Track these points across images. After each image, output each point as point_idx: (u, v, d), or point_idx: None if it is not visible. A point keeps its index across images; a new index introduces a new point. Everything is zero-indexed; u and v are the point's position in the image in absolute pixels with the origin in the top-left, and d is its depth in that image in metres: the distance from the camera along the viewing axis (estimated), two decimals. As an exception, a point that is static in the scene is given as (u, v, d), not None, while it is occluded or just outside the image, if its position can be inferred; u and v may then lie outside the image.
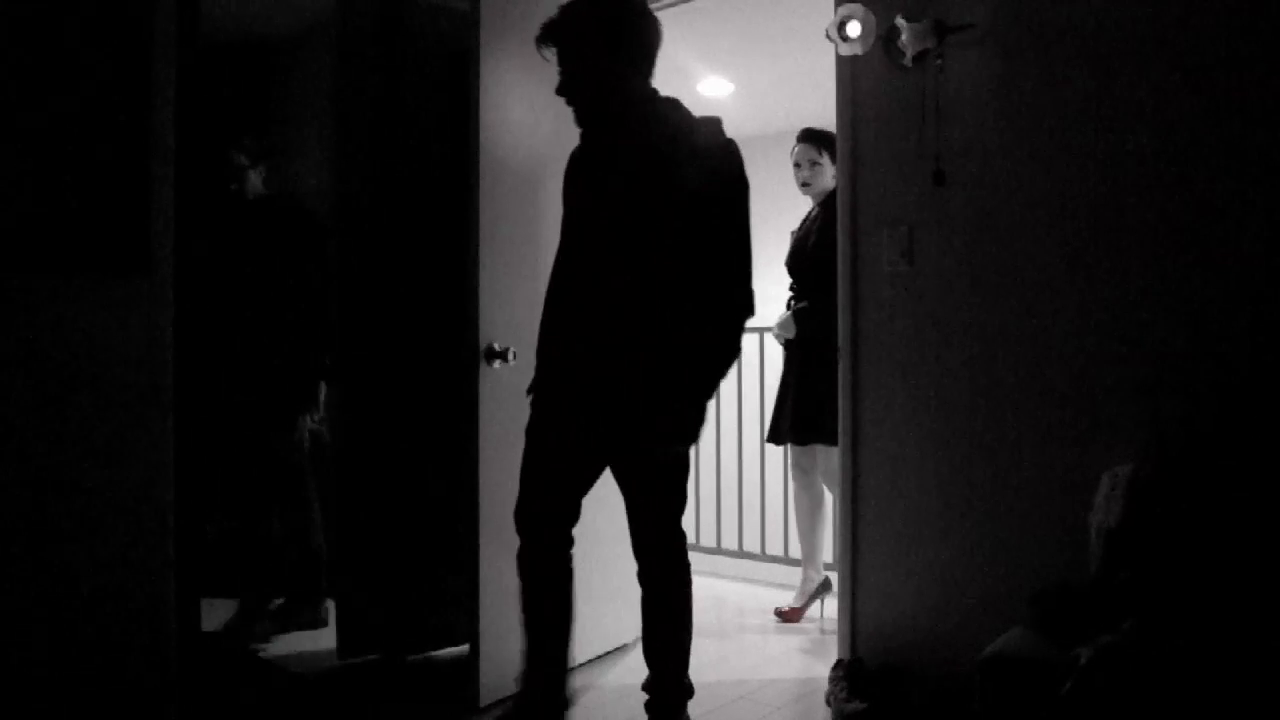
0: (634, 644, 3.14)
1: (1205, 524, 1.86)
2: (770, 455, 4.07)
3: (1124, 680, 1.62)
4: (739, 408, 4.14)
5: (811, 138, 3.36)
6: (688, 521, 4.37)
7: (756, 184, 3.95)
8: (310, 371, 3.25)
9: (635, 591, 3.15)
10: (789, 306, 3.46)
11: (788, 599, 3.52)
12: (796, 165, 3.38)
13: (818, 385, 3.22)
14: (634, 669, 2.92)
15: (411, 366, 3.02)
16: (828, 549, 3.40)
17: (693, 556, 4.31)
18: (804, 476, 3.46)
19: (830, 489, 3.32)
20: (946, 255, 2.43)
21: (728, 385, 4.18)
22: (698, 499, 4.27)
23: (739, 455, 4.12)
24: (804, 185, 3.37)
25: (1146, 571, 1.84)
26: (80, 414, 2.04)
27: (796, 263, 3.41)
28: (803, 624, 3.40)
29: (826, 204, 3.35)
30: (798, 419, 3.30)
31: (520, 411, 2.69)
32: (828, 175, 3.33)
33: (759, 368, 4.07)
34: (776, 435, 3.47)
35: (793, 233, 3.54)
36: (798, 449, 3.44)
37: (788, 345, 3.42)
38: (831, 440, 3.12)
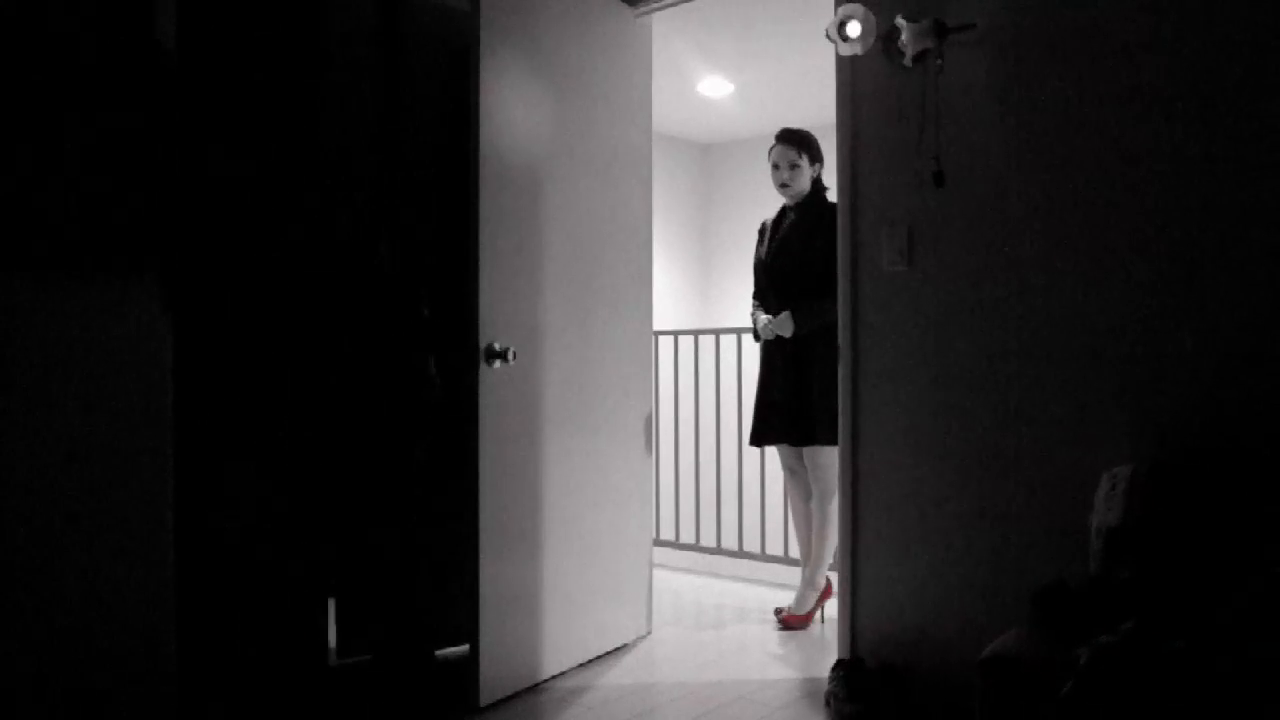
0: (634, 644, 3.15)
1: (1205, 523, 1.87)
2: (770, 455, 4.07)
3: (1124, 680, 1.62)
4: (739, 408, 4.15)
5: (790, 139, 3.35)
6: (687, 522, 4.42)
7: (757, 184, 3.93)
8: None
9: (635, 592, 3.17)
10: (759, 309, 3.44)
11: (788, 598, 3.51)
12: (775, 166, 3.36)
13: (813, 385, 3.22)
14: (634, 669, 2.92)
15: (411, 367, 3.02)
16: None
17: (693, 556, 4.35)
18: (794, 476, 3.46)
19: (815, 486, 3.31)
20: (946, 255, 2.43)
21: (728, 386, 4.23)
22: (697, 499, 4.28)
23: (739, 455, 4.12)
24: (783, 186, 3.36)
25: (1146, 571, 1.84)
26: (77, 413, 2.04)
27: (780, 265, 3.37)
28: (784, 634, 3.32)
29: (802, 207, 3.36)
30: (795, 420, 3.29)
31: (521, 411, 2.70)
32: (806, 177, 3.34)
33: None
34: (764, 437, 3.44)
35: (762, 230, 3.52)
36: (788, 451, 3.43)
37: (769, 345, 3.40)
38: (831, 440, 3.13)
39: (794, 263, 3.32)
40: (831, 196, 3.28)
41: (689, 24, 4.06)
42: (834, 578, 3.00)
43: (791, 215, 3.40)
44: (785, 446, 3.43)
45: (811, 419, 3.23)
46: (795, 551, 3.67)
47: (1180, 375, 2.09)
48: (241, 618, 3.26)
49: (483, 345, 2.56)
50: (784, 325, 3.27)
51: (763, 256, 3.46)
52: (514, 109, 2.69)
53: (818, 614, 3.40)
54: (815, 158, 3.36)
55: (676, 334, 4.38)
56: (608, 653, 3.04)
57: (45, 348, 1.99)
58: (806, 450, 3.32)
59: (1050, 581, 2.01)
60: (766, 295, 3.42)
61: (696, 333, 4.35)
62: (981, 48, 2.35)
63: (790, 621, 3.35)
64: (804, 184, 3.34)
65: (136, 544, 2.12)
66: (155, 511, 2.15)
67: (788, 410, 3.31)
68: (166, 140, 2.12)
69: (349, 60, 2.99)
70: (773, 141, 3.39)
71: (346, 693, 2.75)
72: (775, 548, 4.01)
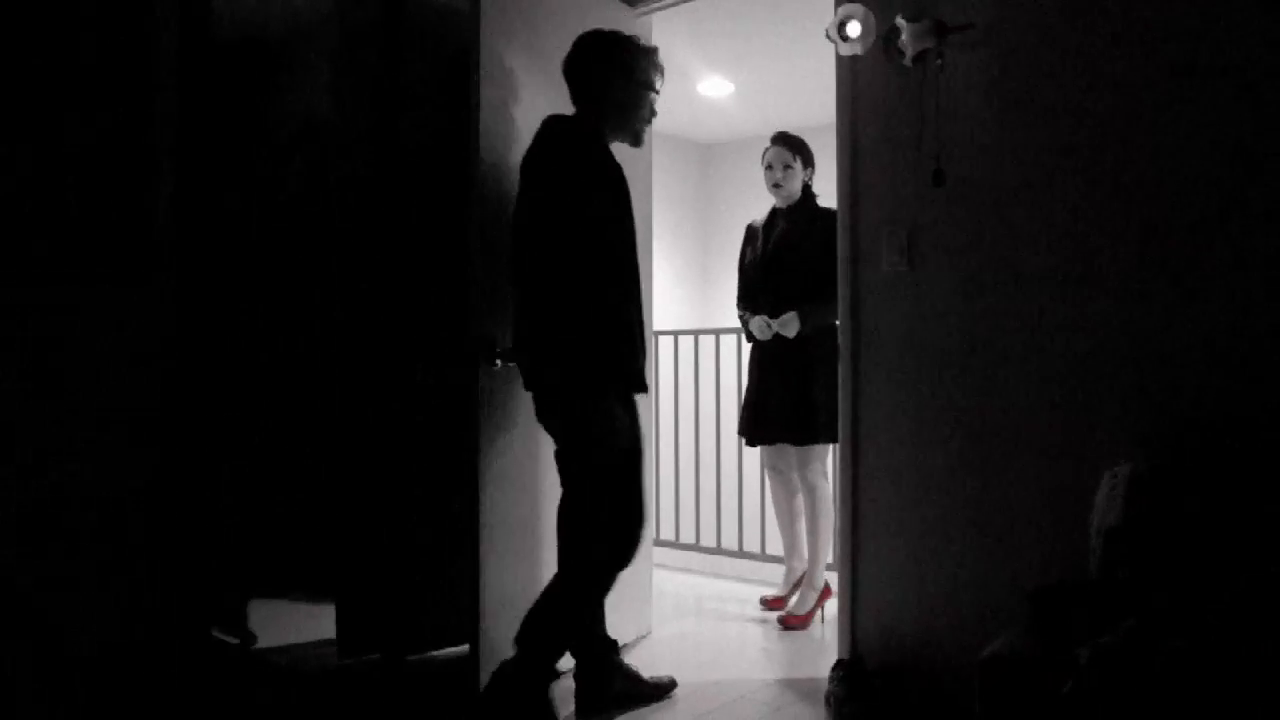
0: (634, 643, 3.14)
1: (1205, 523, 1.86)
2: (770, 455, 4.07)
3: (1124, 680, 1.62)
4: (739, 408, 4.14)
5: (785, 141, 3.43)
6: (687, 522, 4.41)
7: (757, 184, 3.96)
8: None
9: (635, 591, 3.17)
10: (748, 311, 3.47)
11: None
12: (769, 167, 3.44)
13: (814, 385, 3.25)
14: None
15: (414, 366, 3.02)
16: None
17: (693, 556, 4.35)
18: (778, 475, 3.52)
19: (813, 484, 3.36)
20: (946, 255, 2.43)
21: (728, 386, 4.22)
22: (697, 499, 4.28)
23: (739, 456, 4.12)
24: (775, 187, 3.43)
25: (1146, 571, 1.84)
26: (79, 417, 2.04)
27: (778, 267, 3.40)
28: (787, 634, 3.33)
29: (794, 210, 3.42)
30: (796, 420, 3.30)
31: (520, 411, 2.70)
32: (798, 180, 3.42)
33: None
34: (760, 437, 3.47)
35: (751, 233, 3.55)
36: (771, 449, 3.48)
37: (763, 346, 3.43)
38: (831, 439, 3.14)
39: (791, 265, 3.36)
40: (821, 201, 3.39)
41: (689, 24, 4.06)
42: (833, 578, 3.00)
43: (783, 219, 3.46)
44: (773, 446, 3.46)
45: (814, 419, 3.25)
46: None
47: (1181, 375, 2.08)
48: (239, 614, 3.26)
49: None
50: (789, 325, 3.30)
51: (756, 259, 3.50)
52: (513, 108, 2.69)
53: (818, 614, 3.40)
54: (808, 162, 3.45)
55: (676, 334, 4.38)
56: (608, 653, 3.04)
57: (45, 353, 1.99)
58: (800, 450, 3.36)
59: (1050, 581, 2.01)
60: (757, 297, 3.46)
61: (696, 333, 4.35)
62: (981, 48, 2.35)
63: (790, 622, 3.36)
64: (796, 186, 3.42)
65: (138, 544, 2.12)
66: (156, 511, 2.15)
67: (788, 410, 3.33)
68: (166, 148, 2.12)
69: (350, 59, 2.99)
70: (768, 143, 3.46)
71: (347, 692, 2.75)
72: (775, 548, 4.01)
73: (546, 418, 2.45)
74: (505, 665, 2.35)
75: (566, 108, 2.94)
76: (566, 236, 2.31)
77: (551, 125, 2.45)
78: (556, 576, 2.41)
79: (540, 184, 2.36)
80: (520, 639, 2.36)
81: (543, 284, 2.34)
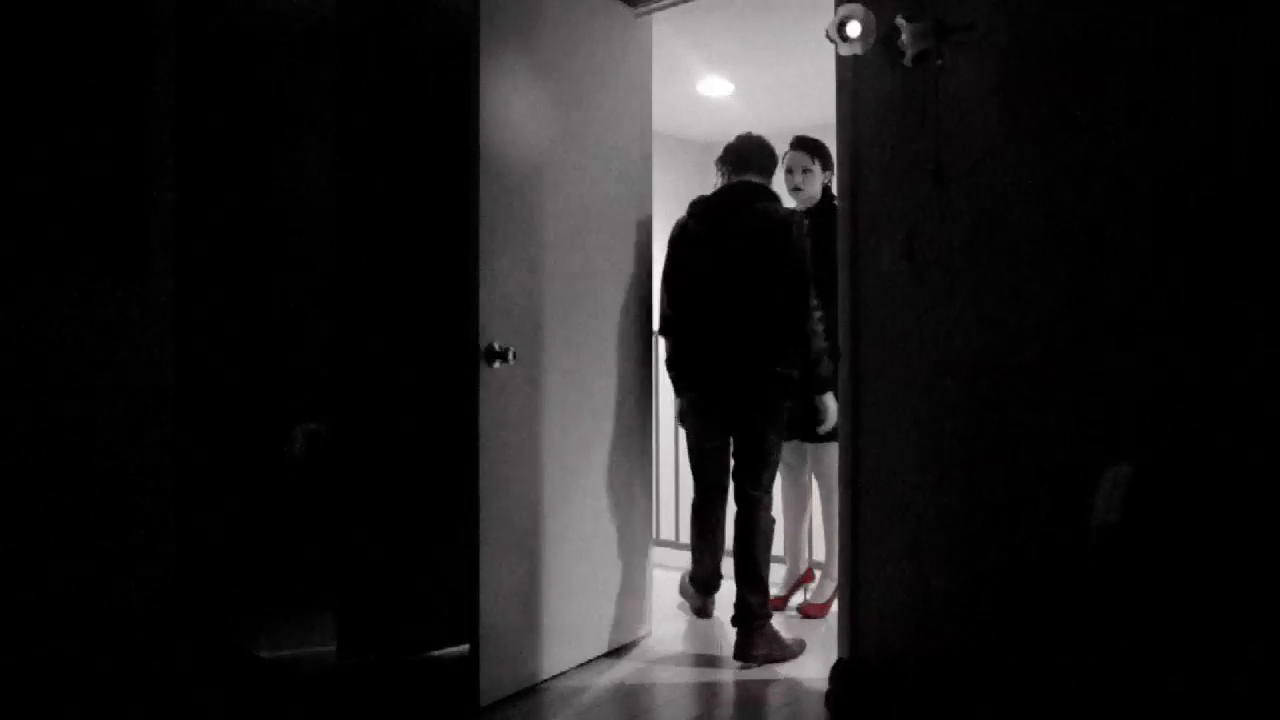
0: (634, 644, 3.15)
1: (1204, 523, 1.87)
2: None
3: (1122, 680, 1.62)
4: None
5: (804, 145, 3.50)
6: (687, 523, 4.40)
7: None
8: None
9: (635, 591, 3.17)
10: None
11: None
12: (789, 171, 3.50)
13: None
14: (633, 669, 2.92)
15: (413, 366, 3.03)
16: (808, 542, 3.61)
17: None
18: (791, 473, 3.57)
19: (822, 481, 3.45)
20: (946, 255, 2.43)
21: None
22: (698, 499, 4.27)
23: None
24: (795, 190, 3.50)
25: (1145, 570, 1.84)
26: (79, 415, 2.04)
27: None
28: (805, 623, 3.42)
29: (815, 213, 3.46)
30: (811, 417, 3.34)
31: (521, 412, 2.70)
32: (817, 183, 3.49)
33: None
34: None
35: None
36: (785, 445, 3.50)
37: None
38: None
39: (814, 265, 3.39)
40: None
41: (689, 24, 4.06)
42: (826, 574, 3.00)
43: (805, 225, 3.47)
44: (787, 442, 3.49)
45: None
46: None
47: (1183, 375, 2.08)
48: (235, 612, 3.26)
49: (483, 345, 2.55)
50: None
51: None
52: (514, 109, 2.69)
53: (834, 605, 3.47)
54: (826, 164, 3.51)
55: (677, 334, 4.37)
56: (608, 653, 3.04)
57: (40, 348, 1.99)
58: (814, 447, 3.44)
59: (1050, 581, 2.01)
60: None
61: (697, 332, 4.33)
62: (981, 48, 2.35)
63: (810, 611, 3.47)
64: (815, 189, 3.49)
65: (139, 543, 2.12)
66: (157, 511, 2.15)
67: (804, 407, 3.35)
68: (167, 151, 2.12)
69: (351, 58, 2.99)
70: (786, 147, 3.52)
71: (347, 692, 2.75)
72: (776, 548, 4.00)
73: (753, 414, 3.07)
74: (743, 601, 2.99)
75: (566, 106, 2.94)
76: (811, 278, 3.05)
77: (770, 194, 3.17)
78: (747, 532, 3.08)
79: (778, 238, 3.04)
80: (742, 579, 3.02)
81: (787, 311, 3.04)
